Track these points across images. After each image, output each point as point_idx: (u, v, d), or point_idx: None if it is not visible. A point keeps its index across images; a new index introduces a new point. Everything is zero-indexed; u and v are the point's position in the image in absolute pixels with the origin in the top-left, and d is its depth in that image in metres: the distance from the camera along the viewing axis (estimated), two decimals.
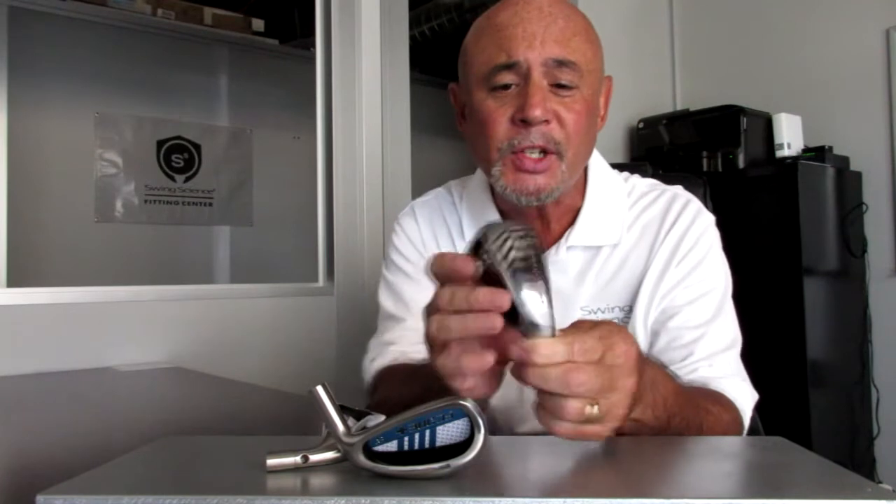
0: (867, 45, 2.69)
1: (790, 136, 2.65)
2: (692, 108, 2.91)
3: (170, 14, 3.37)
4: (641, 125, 2.95)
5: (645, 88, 3.13)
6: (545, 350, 0.54)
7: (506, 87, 0.82)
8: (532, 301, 0.53)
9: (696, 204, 0.93)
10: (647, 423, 0.66)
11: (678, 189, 0.96)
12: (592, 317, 0.91)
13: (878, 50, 2.67)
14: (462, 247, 0.95)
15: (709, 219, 0.93)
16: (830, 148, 2.62)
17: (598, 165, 0.95)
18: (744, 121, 2.63)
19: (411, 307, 0.95)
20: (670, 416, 0.69)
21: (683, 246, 0.89)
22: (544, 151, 0.81)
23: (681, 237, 0.90)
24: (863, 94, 2.70)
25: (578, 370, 0.55)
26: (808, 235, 2.41)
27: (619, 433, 0.64)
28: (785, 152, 2.63)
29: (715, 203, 1.36)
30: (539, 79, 0.80)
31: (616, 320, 0.91)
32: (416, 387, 0.75)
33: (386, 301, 1.00)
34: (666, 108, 3.14)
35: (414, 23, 3.28)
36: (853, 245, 2.61)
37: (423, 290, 0.94)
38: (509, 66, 0.81)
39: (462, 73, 0.89)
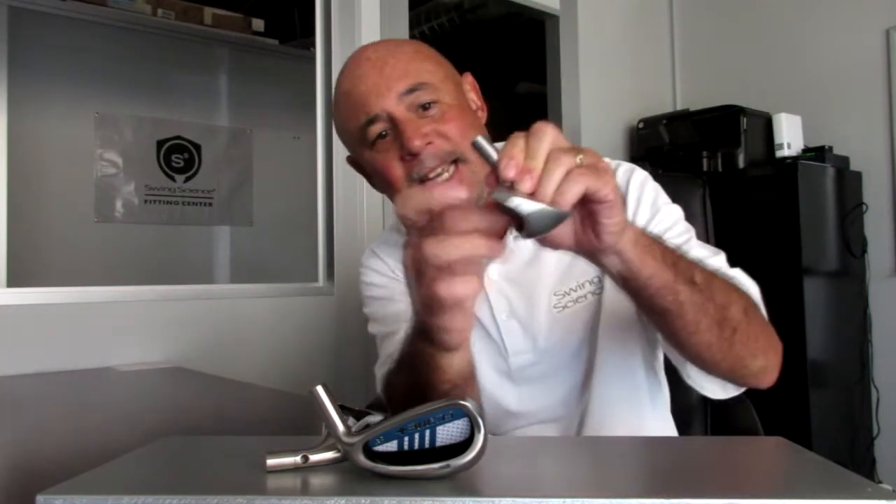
0: (867, 45, 2.69)
1: (790, 136, 2.65)
2: (692, 108, 2.91)
3: (170, 14, 3.37)
4: (641, 125, 2.95)
5: (645, 88, 3.13)
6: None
7: (382, 136, 0.87)
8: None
9: (627, 164, 0.97)
10: (659, 253, 0.65)
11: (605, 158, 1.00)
12: (567, 299, 0.93)
13: (878, 50, 2.67)
14: None
15: (644, 172, 0.96)
16: (830, 148, 2.62)
17: None
18: (744, 121, 2.63)
19: (400, 317, 0.96)
20: (680, 258, 0.69)
21: (631, 200, 0.92)
22: (446, 166, 0.85)
23: (624, 192, 0.92)
24: (863, 94, 2.70)
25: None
26: (808, 235, 2.41)
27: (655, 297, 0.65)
28: (785, 152, 2.63)
29: (715, 203, 1.36)
30: (403, 114, 0.85)
31: (590, 295, 0.92)
32: (407, 370, 0.75)
33: (377, 328, 1.03)
34: (666, 108, 3.14)
35: (414, 23, 3.28)
36: (853, 245, 2.61)
37: (405, 303, 0.95)
38: (372, 121, 0.86)
39: (346, 145, 0.95)
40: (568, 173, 0.54)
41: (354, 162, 0.97)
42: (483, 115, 0.95)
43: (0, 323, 1.62)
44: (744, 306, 0.74)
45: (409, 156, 0.85)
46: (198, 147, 3.53)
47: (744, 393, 1.29)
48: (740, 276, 0.84)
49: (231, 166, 3.62)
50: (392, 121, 0.85)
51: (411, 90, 0.85)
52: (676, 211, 0.94)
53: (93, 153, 3.24)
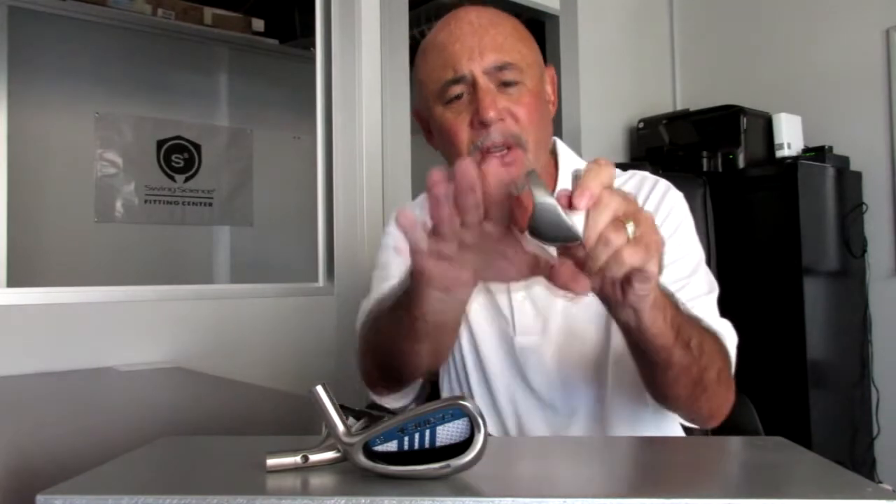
0: (867, 45, 2.69)
1: (790, 136, 2.65)
2: (692, 108, 2.91)
3: (170, 14, 3.37)
4: (641, 125, 2.95)
5: (645, 88, 3.13)
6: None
7: (458, 97, 0.90)
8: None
9: (665, 182, 1.01)
10: (669, 316, 0.68)
11: (646, 172, 1.04)
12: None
13: (878, 50, 2.67)
14: None
15: (678, 194, 1.00)
16: (830, 148, 2.62)
17: (565, 154, 1.03)
18: (744, 121, 2.63)
19: (401, 271, 0.97)
20: (684, 322, 0.72)
21: (658, 217, 0.94)
22: (508, 147, 0.89)
23: (654, 210, 0.96)
24: (863, 94, 2.70)
25: (609, 196, 0.57)
26: (808, 235, 2.41)
27: (647, 336, 0.67)
28: (785, 152, 2.63)
29: (715, 203, 1.36)
30: (485, 84, 0.89)
31: None
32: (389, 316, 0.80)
33: (377, 272, 1.06)
34: (666, 108, 3.14)
35: (414, 23, 3.28)
36: (853, 245, 2.61)
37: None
38: (457, 80, 0.90)
39: (418, 95, 0.98)
40: (618, 251, 0.56)
41: (418, 115, 1.01)
42: (553, 110, 0.99)
43: (0, 323, 1.62)
44: (718, 369, 0.78)
45: (480, 124, 0.88)
46: (198, 147, 3.52)
47: (744, 393, 1.29)
48: (725, 330, 0.88)
49: (231, 166, 3.62)
50: (474, 86, 0.89)
51: (502, 67, 0.89)
52: (690, 242, 0.96)
53: (93, 153, 3.23)
